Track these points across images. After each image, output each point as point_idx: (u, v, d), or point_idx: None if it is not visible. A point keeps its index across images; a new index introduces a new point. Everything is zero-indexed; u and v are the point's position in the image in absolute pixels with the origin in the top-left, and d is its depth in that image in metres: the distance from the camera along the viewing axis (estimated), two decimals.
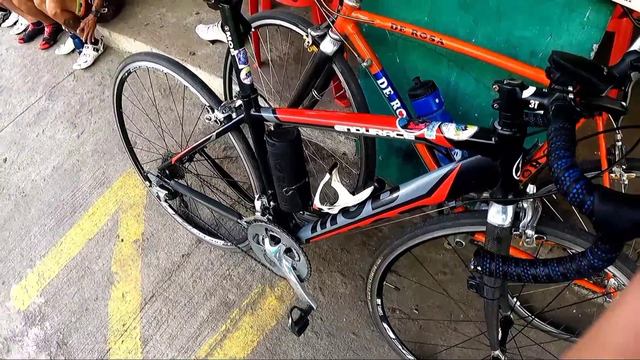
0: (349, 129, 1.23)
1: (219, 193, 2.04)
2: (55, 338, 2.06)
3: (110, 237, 2.34)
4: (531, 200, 1.08)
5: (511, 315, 1.48)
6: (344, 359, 1.85)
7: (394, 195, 1.26)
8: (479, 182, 1.11)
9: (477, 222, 1.19)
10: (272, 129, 1.51)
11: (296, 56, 2.62)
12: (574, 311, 1.87)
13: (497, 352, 1.47)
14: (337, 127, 1.25)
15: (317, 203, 1.42)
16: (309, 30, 1.61)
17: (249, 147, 1.60)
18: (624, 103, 0.87)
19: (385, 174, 2.23)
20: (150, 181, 2.23)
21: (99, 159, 2.69)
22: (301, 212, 1.91)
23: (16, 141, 2.92)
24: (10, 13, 3.82)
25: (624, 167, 1.46)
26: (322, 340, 1.90)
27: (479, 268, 0.91)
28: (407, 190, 1.23)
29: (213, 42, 2.95)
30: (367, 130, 1.19)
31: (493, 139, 0.98)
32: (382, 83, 1.55)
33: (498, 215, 1.08)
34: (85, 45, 3.16)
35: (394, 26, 1.47)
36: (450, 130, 1.06)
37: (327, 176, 1.36)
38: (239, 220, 1.78)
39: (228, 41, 1.38)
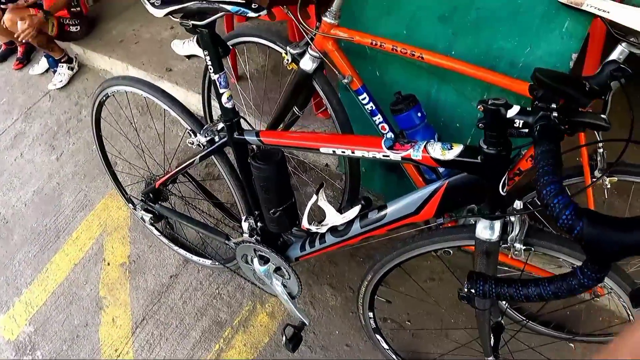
0: (334, 151, 1.23)
1: (203, 214, 2.03)
2: None
3: (97, 261, 2.30)
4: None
5: (502, 320, 1.50)
6: None
7: (382, 213, 1.26)
8: (466, 199, 1.13)
9: (465, 237, 1.21)
10: (256, 150, 1.50)
11: (274, 69, 2.61)
12: (563, 309, 1.91)
13: (491, 359, 1.49)
14: (322, 150, 1.25)
15: (305, 223, 1.42)
16: (287, 48, 1.61)
17: (234, 169, 1.59)
18: (605, 118, 0.89)
19: (369, 184, 2.24)
20: (133, 204, 2.21)
21: (79, 181, 2.65)
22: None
23: None
24: None
25: (607, 173, 1.48)
26: (316, 354, 1.90)
27: (473, 291, 0.93)
28: (395, 208, 1.24)
29: (189, 57, 2.93)
30: (353, 152, 1.20)
31: (479, 157, 1.00)
32: (363, 99, 1.56)
33: (486, 230, 1.10)
34: (59, 64, 3.10)
35: (374, 42, 1.48)
36: (436, 150, 1.07)
37: (314, 197, 1.36)
38: (226, 242, 1.77)
39: (208, 66, 1.37)
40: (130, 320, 2.08)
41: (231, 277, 2.14)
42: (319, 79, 1.59)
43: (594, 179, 1.50)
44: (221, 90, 1.39)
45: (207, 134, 1.52)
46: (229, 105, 1.41)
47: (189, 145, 1.57)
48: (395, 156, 1.13)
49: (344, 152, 1.21)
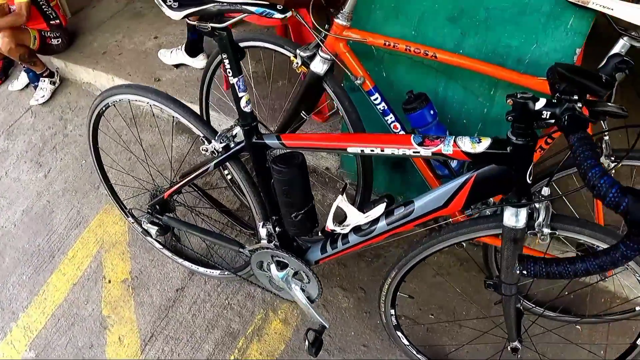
0: (362, 150, 1.24)
1: (213, 222, 2.00)
2: None
3: (96, 279, 2.24)
4: None
5: (521, 307, 1.53)
6: None
7: (409, 209, 1.28)
8: (494, 189, 1.17)
9: (492, 226, 1.24)
10: (275, 154, 1.50)
11: (267, 74, 2.61)
12: (568, 295, 1.97)
13: (515, 343, 1.52)
14: (350, 150, 1.26)
15: (330, 224, 1.42)
16: (297, 51, 1.61)
17: (249, 175, 1.58)
18: (623, 107, 0.98)
19: (374, 184, 2.26)
20: (134, 217, 2.16)
21: (71, 198, 2.57)
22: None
23: None
24: None
25: (612, 158, 1.55)
26: (334, 357, 1.90)
27: (525, 272, 0.98)
28: (423, 203, 1.25)
29: (177, 66, 2.90)
30: (383, 150, 1.21)
31: (508, 148, 1.03)
32: (375, 99, 1.58)
33: (513, 217, 1.14)
34: (41, 78, 3.02)
35: (387, 43, 1.50)
36: (466, 144, 1.10)
37: (340, 197, 1.36)
38: (240, 250, 1.75)
39: (226, 70, 1.36)
40: (138, 338, 2.03)
41: (240, 286, 2.11)
42: (330, 81, 1.60)
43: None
44: (240, 94, 1.38)
45: (222, 140, 1.50)
46: (247, 109, 1.40)
47: (203, 152, 1.55)
48: (425, 152, 1.15)
49: (373, 150, 1.23)
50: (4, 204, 2.60)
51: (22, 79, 3.16)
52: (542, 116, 0.95)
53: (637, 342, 1.47)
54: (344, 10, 1.49)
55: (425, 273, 2.04)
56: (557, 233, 1.20)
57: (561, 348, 1.85)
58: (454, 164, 1.63)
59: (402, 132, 1.60)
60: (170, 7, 1.28)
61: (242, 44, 1.78)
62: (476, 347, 1.84)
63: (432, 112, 1.54)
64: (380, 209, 1.33)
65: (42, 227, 2.46)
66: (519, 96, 0.95)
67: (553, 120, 0.94)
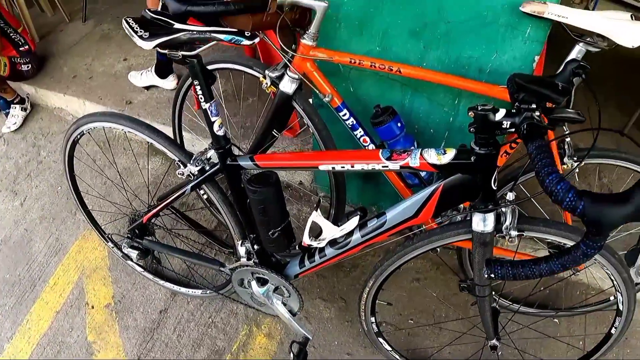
0: (333, 167, 1.29)
1: (192, 243, 2.02)
2: None
3: (79, 305, 2.23)
4: None
5: (497, 306, 1.59)
6: None
7: (382, 220, 1.33)
8: (461, 197, 1.23)
9: (462, 232, 1.30)
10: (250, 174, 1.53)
11: (237, 93, 2.64)
12: (543, 290, 2.05)
13: (493, 341, 1.58)
14: (321, 167, 1.30)
15: (306, 239, 1.46)
16: (266, 72, 1.65)
17: (226, 195, 1.61)
18: (580, 112, 1.01)
19: (347, 195, 2.30)
20: (114, 242, 2.17)
21: (49, 225, 2.56)
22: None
23: None
24: None
25: (574, 158, 1.63)
26: None
27: (492, 275, 1.03)
28: (395, 213, 1.31)
29: (148, 88, 2.91)
30: (353, 167, 1.26)
31: (472, 158, 1.10)
32: (344, 115, 1.63)
33: (481, 222, 1.20)
34: (12, 105, 2.99)
35: (353, 60, 1.56)
36: (432, 156, 1.15)
37: (314, 213, 1.40)
38: (221, 269, 1.78)
39: (199, 95, 1.39)
40: None
41: (222, 304, 2.13)
42: (299, 100, 1.64)
43: (563, 165, 1.65)
44: (212, 119, 1.41)
45: (197, 163, 1.53)
46: (220, 132, 1.43)
47: (179, 176, 1.57)
48: (394, 166, 1.21)
49: (343, 167, 1.27)
50: None
51: None
52: (503, 126, 1.00)
53: (611, 332, 1.53)
54: (309, 30, 1.53)
55: (403, 279, 2.10)
56: (524, 234, 1.27)
57: (540, 342, 1.92)
58: (423, 173, 1.69)
59: (371, 146, 1.65)
60: (141, 37, 1.30)
61: (211, 67, 1.81)
62: (457, 348, 1.90)
63: (399, 124, 1.60)
64: (354, 221, 1.38)
65: (21, 256, 2.44)
66: (479, 108, 1.01)
67: (514, 129, 0.99)
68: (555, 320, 2.03)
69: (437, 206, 1.23)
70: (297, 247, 1.59)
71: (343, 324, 2.05)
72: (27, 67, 2.99)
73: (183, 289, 2.13)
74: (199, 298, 2.15)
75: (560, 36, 1.48)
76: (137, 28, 1.29)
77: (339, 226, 1.40)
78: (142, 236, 1.91)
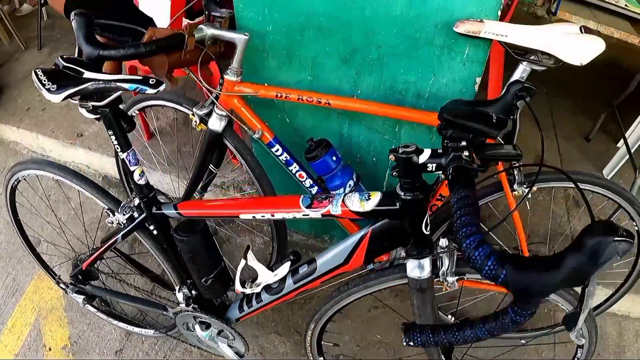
0: (254, 217, 1.23)
1: (137, 287, 1.96)
2: None
3: (37, 348, 2.17)
4: None
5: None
6: None
7: (312, 267, 1.27)
8: (392, 243, 1.15)
9: (398, 277, 1.24)
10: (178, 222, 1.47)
11: (185, 121, 2.57)
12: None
13: None
14: (242, 217, 1.25)
15: (238, 287, 1.40)
16: (194, 109, 1.59)
17: (159, 242, 1.55)
18: (515, 148, 0.89)
19: (296, 226, 2.25)
20: (65, 285, 2.11)
21: (5, 265, 2.49)
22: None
23: None
24: None
25: (525, 185, 1.55)
26: None
27: (411, 343, 0.95)
28: (324, 260, 1.25)
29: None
30: (273, 215, 1.20)
31: (397, 203, 1.01)
32: (276, 151, 1.56)
33: (416, 269, 1.12)
34: None
35: (279, 94, 1.49)
36: (355, 203, 1.08)
37: (243, 261, 1.34)
38: (164, 313, 1.72)
39: (114, 145, 1.33)
40: None
41: (177, 342, 2.07)
42: (230, 137, 1.58)
43: (513, 192, 1.57)
44: (132, 168, 1.35)
45: (126, 212, 1.48)
46: (142, 182, 1.38)
47: (109, 224, 1.52)
48: (315, 214, 1.15)
49: (263, 216, 1.22)
50: None
51: None
52: (428, 169, 0.91)
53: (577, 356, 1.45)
54: (231, 65, 1.47)
55: (360, 309, 2.04)
56: (465, 277, 1.18)
57: None
58: None
59: (308, 181, 1.59)
60: (49, 90, 1.24)
61: (140, 105, 1.75)
62: None
63: (334, 158, 1.54)
64: (285, 267, 1.32)
65: None
66: (400, 151, 0.91)
67: (440, 172, 0.90)
68: (522, 341, 1.96)
69: (367, 253, 1.16)
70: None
71: (300, 357, 2.00)
72: None
73: (136, 329, 2.07)
74: (152, 337, 2.09)
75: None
76: (45, 81, 1.24)
77: (273, 271, 1.35)
78: (86, 282, 1.85)
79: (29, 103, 3.05)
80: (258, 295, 1.44)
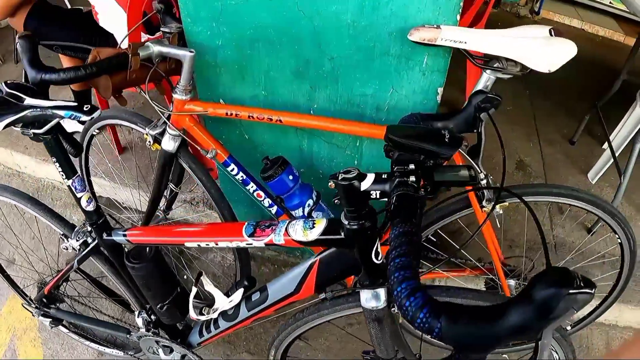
0: (199, 245, 1.19)
1: (103, 309, 1.93)
2: None
3: None
4: None
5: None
6: None
7: (264, 295, 1.23)
8: (343, 272, 1.09)
9: (353, 306, 1.18)
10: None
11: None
12: None
13: None
14: (187, 244, 1.21)
15: (192, 314, 1.35)
16: (147, 129, 1.54)
17: (115, 267, 1.51)
18: (472, 170, 0.80)
19: None
20: (36, 306, 2.08)
21: None
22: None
23: None
24: None
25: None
26: None
27: None
28: (275, 288, 1.21)
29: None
30: (217, 244, 1.16)
31: (342, 233, 0.94)
32: (232, 170, 1.52)
33: (371, 299, 1.04)
34: None
35: (230, 112, 1.44)
36: (298, 232, 1.02)
37: (194, 289, 1.30)
38: (128, 336, 1.68)
39: (59, 172, 1.29)
40: None
41: None
42: (184, 157, 1.54)
43: (483, 209, 1.50)
44: (78, 195, 1.32)
45: (79, 237, 1.44)
46: (90, 208, 1.34)
47: (64, 250, 1.48)
48: (258, 243, 1.10)
49: (207, 244, 1.17)
50: None
51: None
52: (372, 196, 0.82)
53: None
54: (179, 84, 1.42)
55: (333, 327, 1.99)
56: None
57: None
58: None
59: (267, 201, 1.54)
60: None
61: (99, 124, 1.72)
62: None
63: (291, 176, 1.48)
64: (238, 294, 1.28)
65: None
66: (340, 177, 0.82)
67: (386, 199, 0.80)
68: (504, 355, 1.90)
69: (317, 282, 1.10)
70: None
71: None
72: None
73: (108, 350, 2.04)
74: (123, 359, 2.05)
75: None
76: None
77: (229, 295, 1.31)
78: (50, 305, 1.82)
79: None
80: (216, 321, 1.41)
